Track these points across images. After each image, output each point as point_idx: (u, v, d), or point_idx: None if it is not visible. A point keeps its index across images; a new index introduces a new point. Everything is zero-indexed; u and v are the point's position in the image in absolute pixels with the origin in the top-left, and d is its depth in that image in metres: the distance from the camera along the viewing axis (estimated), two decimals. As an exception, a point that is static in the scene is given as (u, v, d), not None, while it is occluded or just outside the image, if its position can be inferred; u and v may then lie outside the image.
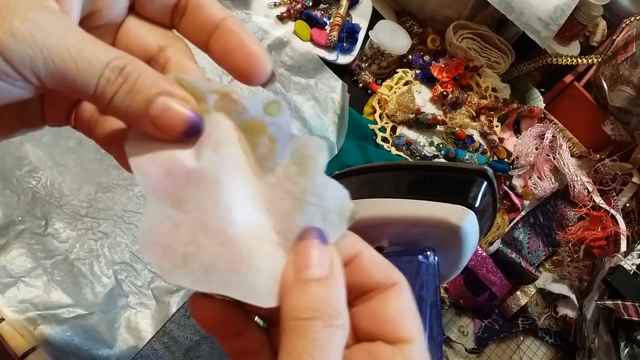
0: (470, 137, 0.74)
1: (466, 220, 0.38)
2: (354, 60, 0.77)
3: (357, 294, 0.22)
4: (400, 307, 0.22)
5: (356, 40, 0.77)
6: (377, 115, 0.74)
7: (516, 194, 0.77)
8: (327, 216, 0.22)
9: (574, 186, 0.77)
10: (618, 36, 0.81)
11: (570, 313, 0.73)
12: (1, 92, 0.18)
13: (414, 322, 0.22)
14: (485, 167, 0.40)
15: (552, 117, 0.83)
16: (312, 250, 0.21)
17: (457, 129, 0.73)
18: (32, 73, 0.18)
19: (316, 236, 0.21)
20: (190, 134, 0.21)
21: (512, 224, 0.76)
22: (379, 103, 0.74)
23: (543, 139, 0.77)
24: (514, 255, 0.73)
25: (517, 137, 0.79)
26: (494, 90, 0.78)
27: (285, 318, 0.19)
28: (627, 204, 0.82)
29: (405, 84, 0.77)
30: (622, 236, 0.77)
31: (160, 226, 0.21)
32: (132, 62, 0.19)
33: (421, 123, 0.73)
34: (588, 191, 0.79)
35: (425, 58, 0.78)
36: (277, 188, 0.22)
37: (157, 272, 0.20)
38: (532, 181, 0.77)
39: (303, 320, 0.19)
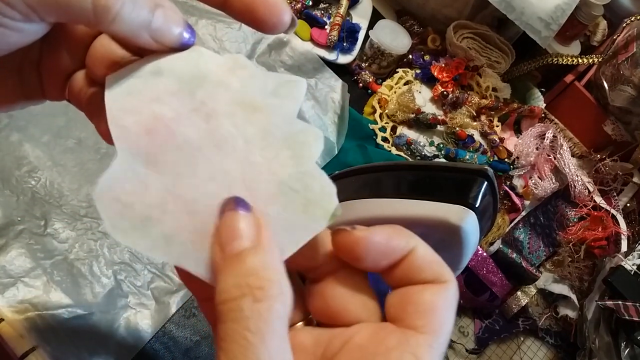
0: (471, 137, 0.73)
1: (466, 220, 0.37)
2: (354, 60, 0.77)
3: (403, 286, 0.21)
4: (434, 299, 0.20)
5: (356, 40, 0.77)
6: (377, 115, 0.74)
7: (517, 194, 0.76)
8: (308, 207, 0.20)
9: (575, 186, 0.77)
10: (619, 36, 0.81)
11: (571, 313, 0.73)
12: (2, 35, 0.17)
13: (439, 318, 0.20)
14: (486, 167, 0.40)
15: (553, 117, 0.83)
16: (234, 222, 0.19)
17: (457, 128, 0.72)
18: (21, 1, 0.17)
19: (237, 206, 0.19)
20: (185, 43, 0.21)
21: (512, 224, 0.76)
22: (379, 103, 0.74)
23: (543, 138, 0.77)
24: (514, 255, 0.73)
25: (517, 137, 0.79)
26: (494, 90, 0.78)
27: (215, 302, 0.18)
28: (628, 204, 0.81)
29: (405, 84, 0.77)
30: (622, 236, 0.77)
31: (125, 183, 0.20)
32: None
33: (421, 123, 0.73)
34: (589, 191, 0.79)
35: (425, 58, 0.78)
36: (263, 168, 0.21)
37: (107, 229, 0.19)
38: (533, 181, 0.77)
39: (230, 301, 0.17)
